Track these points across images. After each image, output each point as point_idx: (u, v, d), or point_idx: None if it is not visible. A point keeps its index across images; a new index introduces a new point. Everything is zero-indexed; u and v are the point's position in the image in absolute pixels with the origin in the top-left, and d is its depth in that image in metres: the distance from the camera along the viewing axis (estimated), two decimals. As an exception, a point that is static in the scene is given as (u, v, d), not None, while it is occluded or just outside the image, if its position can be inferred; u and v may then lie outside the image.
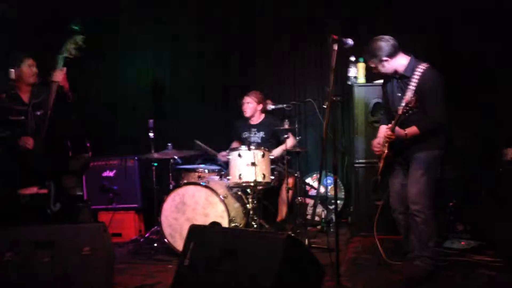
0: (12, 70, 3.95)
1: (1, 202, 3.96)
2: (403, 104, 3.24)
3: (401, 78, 3.47)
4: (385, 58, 3.42)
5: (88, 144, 4.58)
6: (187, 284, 2.79)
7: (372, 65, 3.52)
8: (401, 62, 3.46)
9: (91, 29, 4.11)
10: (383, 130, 3.66)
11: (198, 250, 2.83)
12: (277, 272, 2.50)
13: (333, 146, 3.82)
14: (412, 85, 3.32)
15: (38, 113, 3.92)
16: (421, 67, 3.37)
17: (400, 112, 3.23)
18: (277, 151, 4.88)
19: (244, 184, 4.36)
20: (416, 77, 3.33)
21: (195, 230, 2.95)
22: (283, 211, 4.90)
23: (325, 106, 3.29)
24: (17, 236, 2.97)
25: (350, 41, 3.24)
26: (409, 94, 3.29)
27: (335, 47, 3.14)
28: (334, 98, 3.20)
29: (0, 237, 2.97)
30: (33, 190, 3.81)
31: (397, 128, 3.34)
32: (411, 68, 3.41)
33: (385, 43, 3.43)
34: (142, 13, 6.12)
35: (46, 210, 3.82)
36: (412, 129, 3.35)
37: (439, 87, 3.36)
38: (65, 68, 3.88)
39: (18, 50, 4.67)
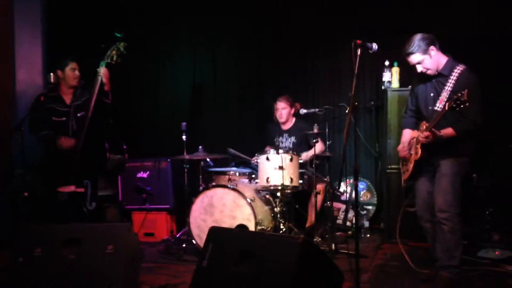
0: (51, 74, 4.13)
1: (40, 199, 4.16)
2: (443, 102, 3.12)
3: (438, 77, 3.38)
4: (431, 47, 3.32)
5: (124, 146, 4.74)
6: (205, 284, 2.83)
7: (417, 60, 3.35)
8: (440, 60, 3.38)
9: (132, 33, 4.27)
10: (409, 133, 3.58)
11: (217, 251, 2.87)
12: (293, 275, 2.50)
13: (358, 150, 3.74)
14: (449, 85, 3.25)
15: (79, 114, 4.09)
16: (459, 68, 3.30)
17: (447, 107, 3.07)
18: (306, 155, 4.87)
19: (271, 188, 4.38)
20: (454, 77, 3.26)
21: (214, 232, 2.99)
22: (312, 216, 4.88)
23: (347, 111, 3.24)
24: (47, 233, 3.10)
25: (374, 46, 3.19)
26: (445, 94, 3.23)
27: (359, 52, 3.11)
28: (356, 103, 3.14)
29: (31, 233, 3.11)
30: (71, 188, 3.97)
31: (433, 129, 3.22)
32: (449, 68, 3.33)
33: (427, 35, 3.36)
34: (181, 19, 6.26)
35: (83, 209, 3.97)
36: (448, 130, 3.24)
37: (477, 88, 3.25)
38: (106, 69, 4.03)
39: (63, 55, 4.92)
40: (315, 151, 4.51)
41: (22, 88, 5.46)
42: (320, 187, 4.80)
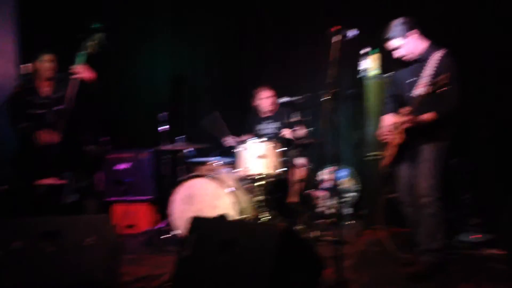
0: (25, 65, 4.05)
1: (17, 192, 4.09)
2: (423, 87, 3.15)
3: (418, 62, 3.39)
4: (411, 32, 3.32)
5: (105, 138, 4.68)
6: (187, 274, 2.81)
7: (396, 44, 3.37)
8: (420, 44, 3.38)
9: (109, 24, 4.21)
10: (389, 118, 3.59)
11: (198, 241, 2.85)
12: (274, 263, 2.50)
13: (338, 138, 3.74)
14: (429, 69, 3.26)
15: (57, 108, 4.02)
16: (439, 52, 3.30)
17: (429, 90, 3.09)
18: (289, 131, 4.84)
19: (253, 177, 4.36)
20: (433, 61, 3.26)
21: (196, 222, 2.97)
22: (293, 198, 4.88)
23: (326, 99, 3.23)
24: (24, 225, 3.04)
25: (350, 33, 3.17)
26: (425, 79, 3.23)
27: (336, 39, 3.09)
28: (334, 91, 3.13)
29: (8, 226, 3.05)
30: (50, 181, 3.91)
31: (412, 114, 3.24)
32: (429, 52, 3.34)
33: (407, 19, 3.37)
34: (159, 5, 6.16)
35: (62, 201, 3.92)
36: (429, 115, 3.25)
37: (456, 72, 3.26)
38: (83, 65, 3.98)
39: (38, 45, 4.82)
40: (295, 133, 4.49)
41: (-5, 79, 5.34)
42: (301, 174, 4.81)
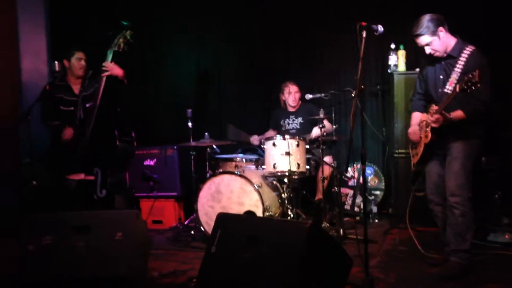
0: (56, 62, 4.13)
1: (50, 187, 4.19)
2: (452, 84, 3.10)
3: (447, 59, 3.33)
4: (440, 28, 3.26)
5: (133, 134, 4.74)
6: (214, 271, 2.84)
7: (426, 41, 3.30)
8: (449, 41, 3.33)
9: (137, 21, 4.27)
10: (418, 116, 3.54)
11: (225, 237, 2.87)
12: (301, 260, 2.50)
13: (365, 135, 3.68)
14: (459, 67, 3.21)
15: (88, 105, 4.11)
16: (469, 49, 3.25)
17: (458, 89, 3.02)
18: (316, 132, 4.81)
19: (278, 174, 4.36)
20: (463, 58, 3.21)
21: (222, 218, 2.99)
22: (319, 196, 4.87)
23: (353, 95, 3.20)
24: (56, 220, 3.11)
25: (380, 28, 3.12)
26: (454, 76, 3.19)
27: (364, 34, 3.05)
28: (362, 87, 3.09)
29: (40, 221, 3.12)
30: (80, 176, 3.99)
31: (442, 112, 3.16)
32: (458, 49, 3.28)
33: (436, 15, 3.30)
34: (183, 2, 6.20)
35: (92, 196, 4.00)
36: (458, 113, 3.18)
37: (486, 70, 3.18)
38: (112, 62, 4.06)
39: (68, 43, 4.92)
40: (322, 131, 4.48)
41: (27, 77, 5.46)
42: (327, 172, 4.79)
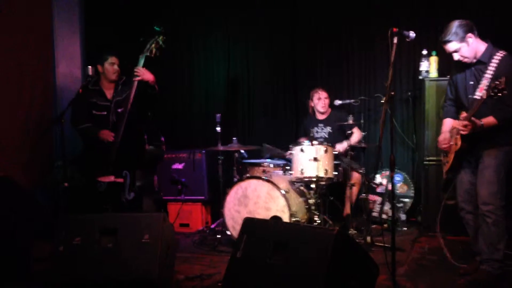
0: (90, 67, 4.23)
1: (80, 189, 4.27)
2: (483, 90, 3.04)
3: (477, 64, 3.28)
4: (469, 35, 3.22)
5: (162, 138, 4.81)
6: (239, 275, 2.84)
7: (454, 48, 3.26)
8: (479, 47, 3.28)
9: (168, 26, 4.33)
10: (449, 123, 3.48)
11: (251, 242, 2.87)
12: (328, 267, 2.48)
13: (394, 142, 3.65)
14: (489, 73, 3.15)
15: (119, 110, 4.18)
16: (499, 54, 3.19)
17: (485, 95, 2.98)
18: (341, 146, 4.81)
19: (306, 179, 4.35)
20: (493, 64, 3.16)
21: (248, 223, 3.00)
22: (347, 207, 4.83)
23: (382, 101, 3.17)
24: (85, 222, 3.18)
25: (412, 34, 3.10)
26: (484, 82, 3.13)
27: (395, 40, 3.03)
28: (392, 93, 3.07)
29: (71, 222, 3.20)
30: (110, 178, 4.07)
31: (472, 119, 3.11)
32: (488, 55, 3.23)
33: (465, 21, 3.26)
34: (215, 10, 6.26)
35: (121, 199, 4.07)
36: (489, 119, 3.13)
37: None
38: (143, 67, 4.14)
39: (101, 48, 5.03)
40: (351, 141, 4.46)
41: (62, 81, 5.61)
42: (355, 178, 4.75)
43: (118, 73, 4.29)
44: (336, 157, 4.56)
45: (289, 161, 4.82)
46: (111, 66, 4.24)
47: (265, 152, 5.11)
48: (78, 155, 4.42)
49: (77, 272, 3.00)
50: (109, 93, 4.26)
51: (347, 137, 4.81)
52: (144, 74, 4.13)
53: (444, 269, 3.61)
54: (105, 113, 4.22)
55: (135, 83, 4.12)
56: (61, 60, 5.63)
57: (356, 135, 4.82)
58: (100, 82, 4.30)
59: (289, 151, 4.74)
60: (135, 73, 4.12)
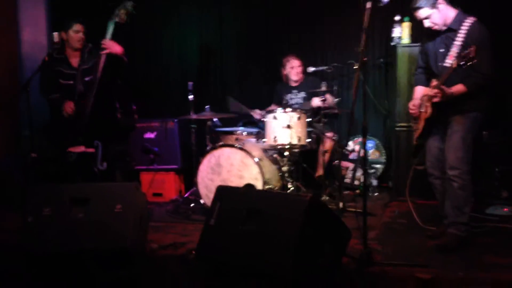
0: (55, 33, 4.08)
1: (51, 160, 4.20)
2: (452, 58, 3.06)
3: (447, 31, 3.29)
4: (440, 1, 3.22)
5: (134, 107, 4.73)
6: (213, 243, 2.86)
7: (425, 14, 3.27)
8: (449, 14, 3.28)
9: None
10: (420, 91, 3.51)
11: (224, 210, 2.89)
12: (300, 232, 2.52)
13: (366, 108, 3.65)
14: (459, 40, 3.16)
15: (87, 78, 4.07)
16: (469, 21, 3.20)
17: (455, 64, 3.01)
18: (314, 101, 4.82)
19: (279, 147, 4.36)
20: (463, 30, 3.16)
21: (222, 191, 3.01)
22: (320, 171, 4.88)
23: (355, 68, 3.16)
24: (56, 192, 3.12)
25: (384, -2, 3.08)
26: (454, 49, 3.14)
27: (368, 5, 3.00)
28: (365, 60, 3.06)
29: (38, 193, 3.14)
30: (81, 149, 3.99)
31: (442, 87, 3.15)
32: (458, 21, 3.23)
33: None
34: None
35: (93, 169, 4.00)
36: (459, 87, 3.16)
37: (488, 41, 3.16)
38: (110, 40, 4.01)
39: (68, 15, 4.85)
40: (323, 103, 4.47)
41: (27, 49, 5.43)
42: (328, 145, 4.78)
43: (83, 41, 4.14)
44: (309, 124, 4.57)
45: (262, 129, 4.82)
46: (75, 33, 4.09)
47: (230, 106, 5.06)
48: (47, 125, 4.32)
49: (48, 243, 2.96)
50: (74, 61, 4.13)
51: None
52: (111, 46, 3.99)
53: (414, 232, 3.70)
54: (72, 82, 4.10)
55: (103, 57, 4.00)
56: (25, 27, 5.43)
57: (330, 98, 4.83)
58: (65, 50, 4.16)
59: (256, 111, 4.73)
60: (103, 46, 3.99)
